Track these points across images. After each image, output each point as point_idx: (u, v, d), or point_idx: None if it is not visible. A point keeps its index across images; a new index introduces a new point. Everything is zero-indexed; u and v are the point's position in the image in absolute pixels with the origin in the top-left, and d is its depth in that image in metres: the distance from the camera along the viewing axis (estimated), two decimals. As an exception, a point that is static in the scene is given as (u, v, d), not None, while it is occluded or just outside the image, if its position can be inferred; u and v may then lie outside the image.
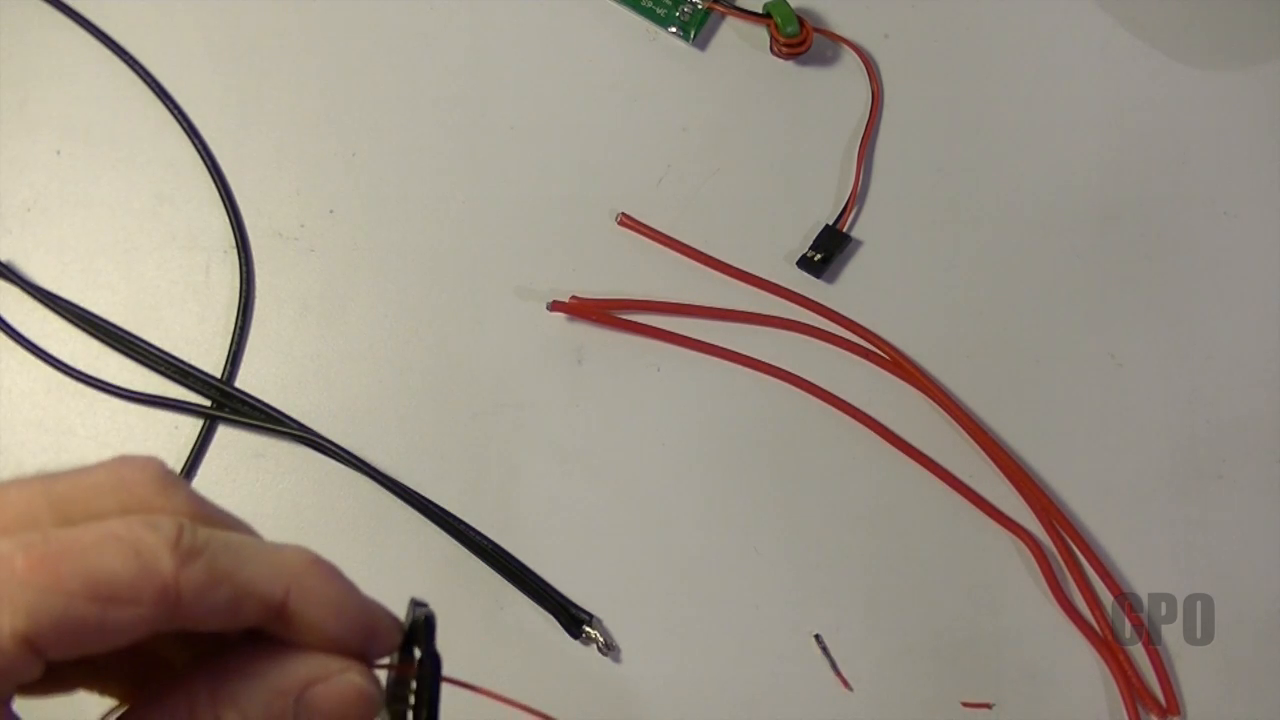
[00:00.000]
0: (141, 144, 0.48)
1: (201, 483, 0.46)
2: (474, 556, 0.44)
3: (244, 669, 0.21)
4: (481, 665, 0.43)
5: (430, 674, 0.22)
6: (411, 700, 0.22)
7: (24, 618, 0.17)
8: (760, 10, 0.50)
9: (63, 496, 0.20)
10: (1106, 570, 0.45)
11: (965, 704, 0.44)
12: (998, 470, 0.46)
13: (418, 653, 0.23)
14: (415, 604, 0.23)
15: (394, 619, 0.23)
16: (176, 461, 0.45)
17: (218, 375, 0.46)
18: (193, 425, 0.46)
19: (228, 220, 0.47)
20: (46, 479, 0.20)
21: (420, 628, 0.23)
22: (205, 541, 0.20)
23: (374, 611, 0.22)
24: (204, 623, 0.20)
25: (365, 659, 0.22)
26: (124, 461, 0.21)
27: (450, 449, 0.46)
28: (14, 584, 0.18)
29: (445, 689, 0.23)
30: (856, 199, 0.49)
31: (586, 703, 0.44)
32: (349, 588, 0.22)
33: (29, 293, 0.46)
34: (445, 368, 0.46)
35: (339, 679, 0.21)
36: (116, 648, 0.19)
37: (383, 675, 0.23)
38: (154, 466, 0.21)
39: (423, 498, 0.44)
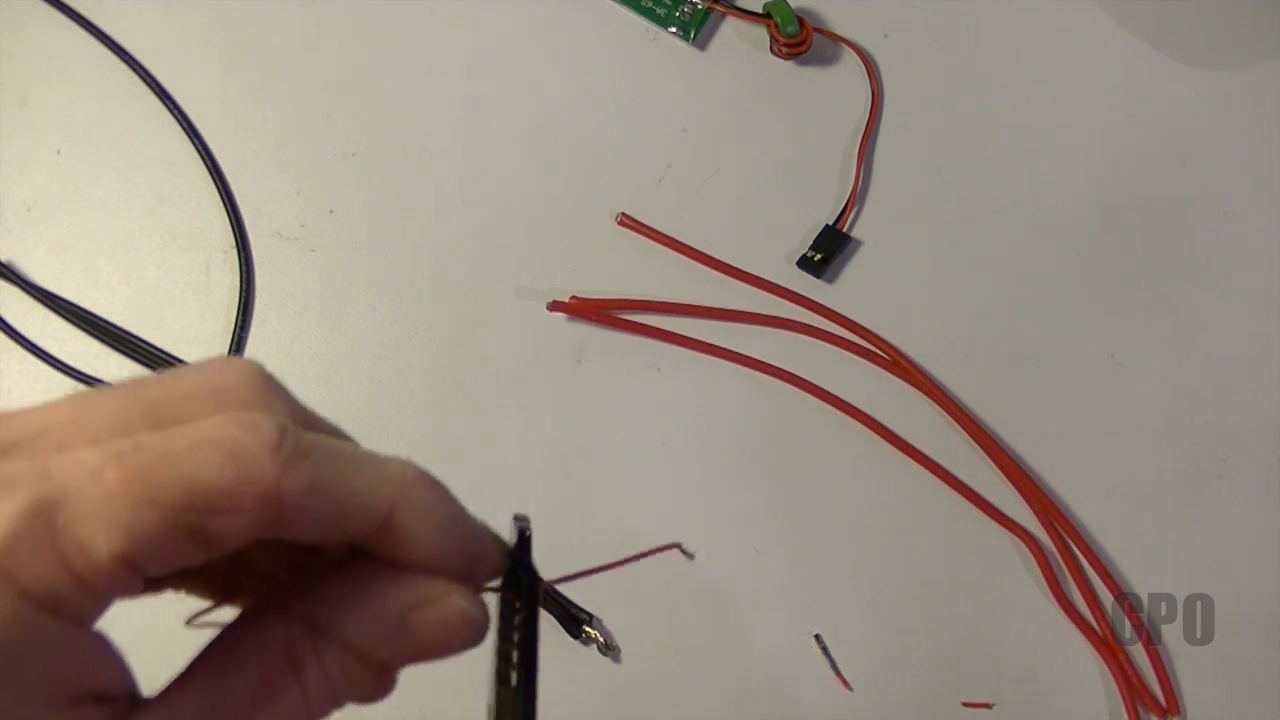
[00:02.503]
0: (141, 144, 0.48)
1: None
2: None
3: (343, 592, 0.19)
4: (482, 664, 0.43)
5: (530, 593, 0.21)
6: (517, 622, 0.21)
7: (120, 536, 0.16)
8: (760, 10, 0.50)
9: (155, 402, 0.18)
10: (1106, 570, 0.45)
11: (965, 704, 0.44)
12: (998, 470, 0.46)
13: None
14: (516, 519, 0.22)
15: (499, 540, 0.21)
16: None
17: (218, 375, 0.46)
18: (193, 425, 0.46)
19: (228, 220, 0.47)
20: (137, 385, 0.18)
21: (520, 545, 0.21)
22: (309, 446, 0.18)
23: (480, 531, 0.21)
24: (305, 534, 0.18)
25: (470, 581, 0.20)
26: (222, 363, 0.19)
27: (450, 449, 0.46)
28: (107, 499, 0.16)
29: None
30: (856, 199, 0.49)
31: (586, 703, 0.44)
32: (457, 505, 0.20)
33: (29, 293, 0.46)
34: (445, 368, 0.46)
35: (444, 603, 0.20)
36: (213, 559, 0.17)
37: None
38: (253, 368, 0.19)
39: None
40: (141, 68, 0.49)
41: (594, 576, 0.23)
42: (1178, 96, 0.51)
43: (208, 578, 0.21)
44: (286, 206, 0.48)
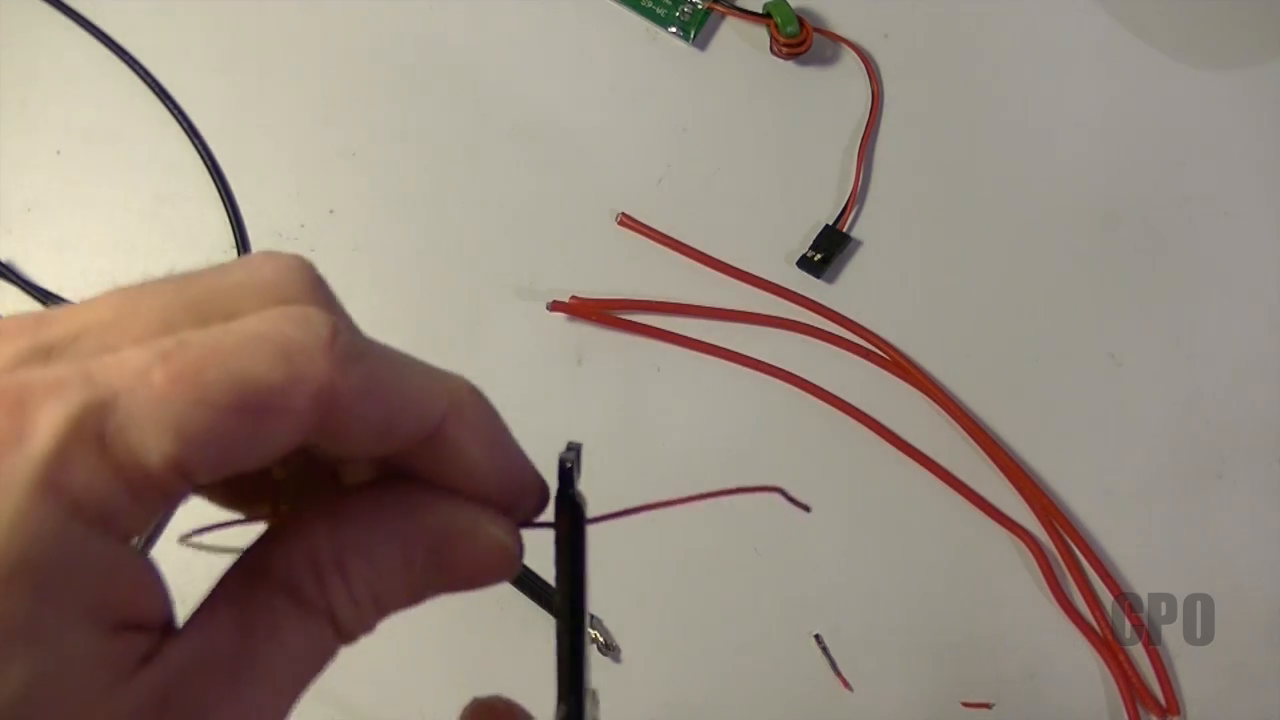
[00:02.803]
0: (141, 144, 0.48)
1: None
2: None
3: (374, 510, 0.18)
4: (483, 665, 0.43)
5: (571, 528, 0.20)
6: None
7: (172, 440, 0.15)
8: (760, 10, 0.50)
9: (200, 298, 0.17)
10: (1106, 570, 0.45)
11: (965, 704, 0.44)
12: (998, 470, 0.46)
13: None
14: (568, 448, 0.21)
15: (542, 477, 0.20)
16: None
17: (218, 375, 0.46)
18: (193, 425, 0.46)
19: (228, 220, 0.47)
20: (181, 280, 0.17)
21: (560, 476, 0.20)
22: (364, 345, 0.17)
23: (526, 461, 0.20)
24: (353, 440, 0.17)
25: (508, 511, 0.19)
26: (268, 256, 0.18)
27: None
28: (157, 401, 0.15)
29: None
30: (856, 199, 0.49)
31: (586, 703, 0.44)
32: (506, 428, 0.19)
33: (29, 293, 0.46)
34: (445, 367, 0.46)
35: (482, 533, 0.19)
36: (262, 465, 0.16)
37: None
38: (302, 263, 0.18)
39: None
40: (141, 68, 0.49)
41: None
42: (1178, 96, 0.51)
43: (225, 488, 0.20)
44: (286, 206, 0.48)
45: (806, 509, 0.23)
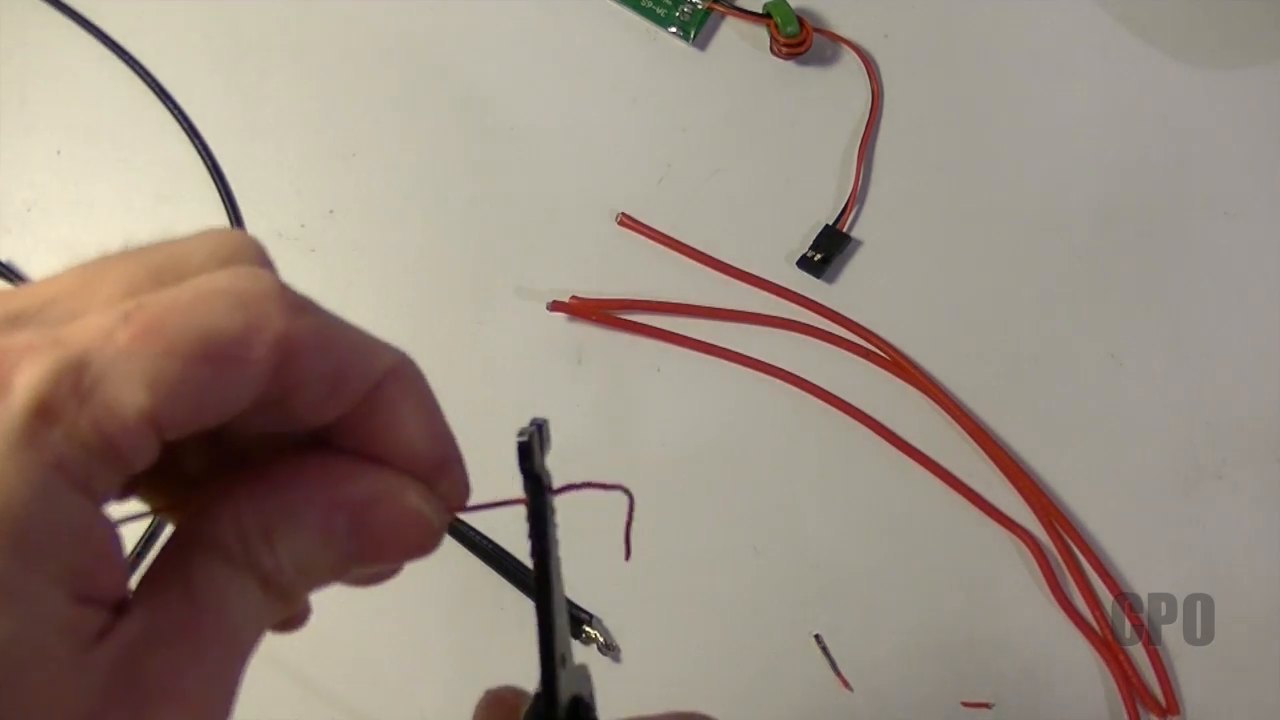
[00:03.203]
0: (141, 144, 0.48)
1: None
2: (474, 557, 0.44)
3: (296, 479, 0.19)
4: (483, 665, 0.43)
5: (533, 501, 0.21)
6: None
7: (145, 392, 0.15)
8: (760, 10, 0.50)
9: (159, 266, 0.18)
10: (1106, 570, 0.45)
11: (965, 704, 0.44)
12: (998, 470, 0.46)
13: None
14: (531, 423, 0.21)
15: (460, 455, 0.21)
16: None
17: (218, 375, 0.46)
18: (193, 425, 0.46)
19: (228, 220, 0.47)
20: (139, 250, 0.18)
21: (520, 452, 0.20)
22: (310, 301, 0.18)
23: (452, 436, 0.20)
24: (307, 395, 0.18)
25: (433, 487, 0.20)
26: (220, 230, 0.19)
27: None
28: (125, 356, 0.15)
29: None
30: (856, 199, 0.49)
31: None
32: (436, 399, 0.20)
33: (29, 293, 0.46)
34: (445, 368, 0.46)
35: (402, 500, 0.19)
36: (226, 419, 0.17)
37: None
38: (250, 238, 0.19)
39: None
40: (141, 68, 0.49)
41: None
42: (1178, 96, 0.51)
43: (154, 483, 0.20)
44: (286, 206, 0.48)
45: (629, 498, 0.24)
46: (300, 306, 0.18)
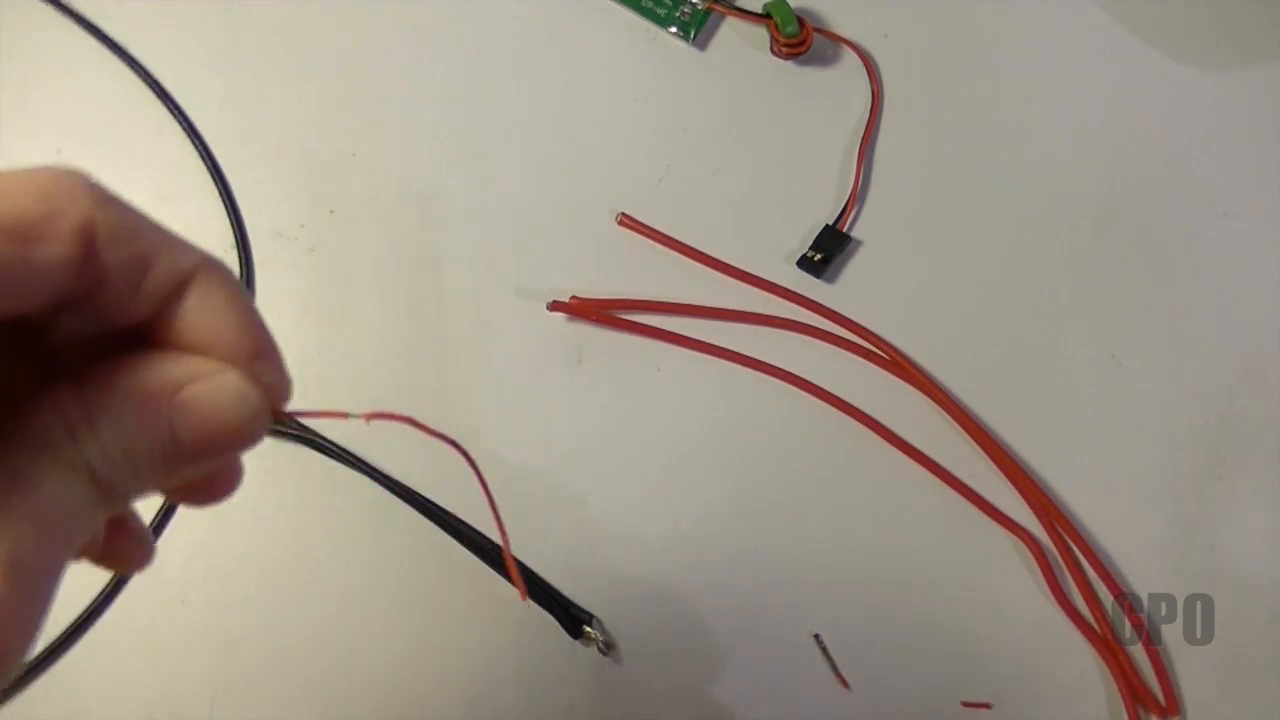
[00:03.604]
0: (141, 144, 0.48)
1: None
2: (475, 557, 0.44)
3: (115, 371, 0.19)
4: (482, 665, 0.43)
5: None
6: None
7: None
8: (760, 10, 0.50)
9: None
10: (1106, 570, 0.45)
11: (965, 704, 0.44)
12: (998, 470, 0.46)
13: None
14: None
15: (276, 345, 0.22)
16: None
17: (218, 375, 0.46)
18: (193, 425, 0.46)
19: (228, 220, 0.47)
20: None
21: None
22: (121, 199, 0.19)
23: (266, 329, 0.21)
24: (112, 291, 0.19)
25: (255, 376, 0.21)
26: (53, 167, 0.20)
27: (449, 449, 0.45)
28: None
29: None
30: (856, 199, 0.49)
31: (587, 703, 0.44)
32: (249, 295, 0.21)
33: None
34: (445, 368, 0.46)
35: (216, 378, 0.20)
36: (33, 305, 0.18)
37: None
38: (84, 174, 0.20)
39: (423, 498, 0.44)
40: (141, 68, 0.49)
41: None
42: (1178, 96, 0.51)
43: None
44: (286, 206, 0.48)
45: (444, 438, 0.25)
46: (107, 199, 0.18)
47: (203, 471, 0.21)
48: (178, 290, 0.19)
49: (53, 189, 0.18)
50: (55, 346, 0.20)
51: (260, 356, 0.21)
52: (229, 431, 0.20)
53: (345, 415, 0.23)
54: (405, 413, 0.22)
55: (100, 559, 0.22)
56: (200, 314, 0.20)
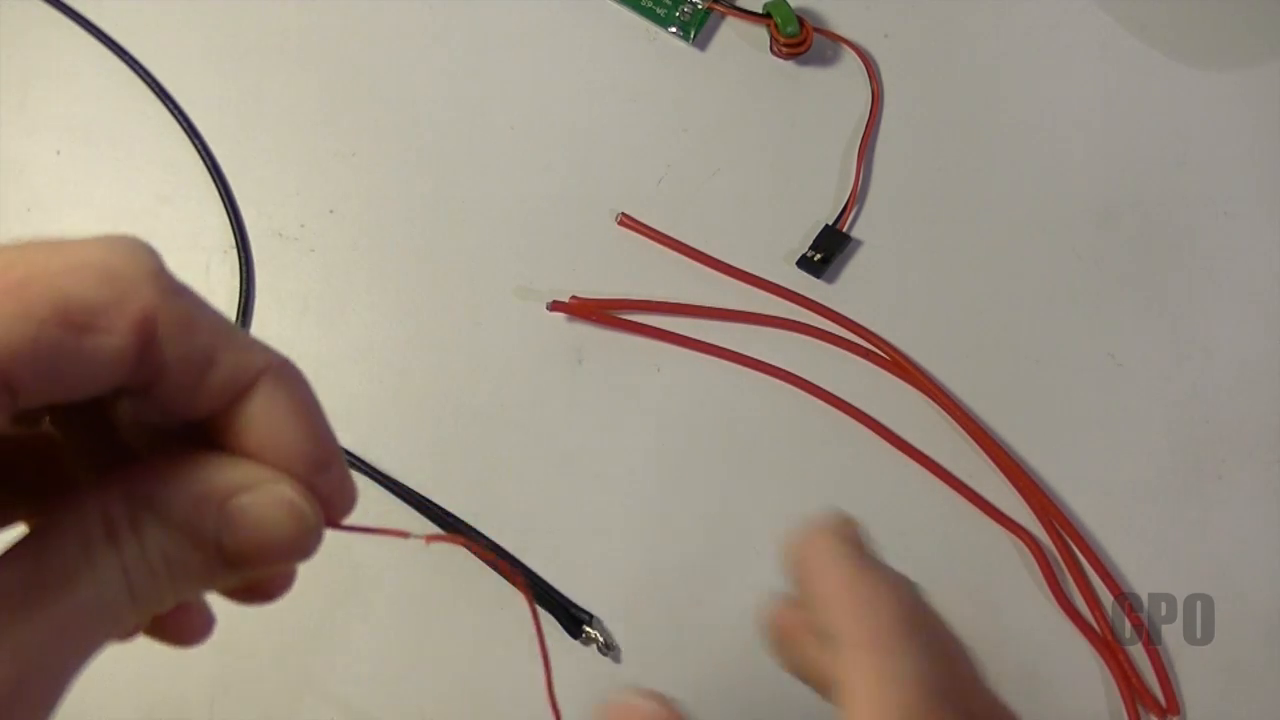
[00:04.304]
0: (141, 144, 0.48)
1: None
2: (474, 557, 0.44)
3: (165, 468, 0.18)
4: (482, 665, 0.43)
5: None
6: None
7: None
8: (760, 10, 0.50)
9: (34, 242, 0.18)
10: (1106, 570, 0.45)
11: (965, 704, 0.44)
12: (998, 470, 0.46)
13: None
14: None
15: (342, 455, 0.20)
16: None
17: (218, 375, 0.46)
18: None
19: (228, 220, 0.47)
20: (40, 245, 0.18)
21: None
22: (188, 289, 0.18)
23: (334, 438, 0.20)
24: (172, 382, 0.18)
25: (312, 488, 0.20)
26: (115, 236, 0.19)
27: (450, 449, 0.46)
28: None
29: None
30: (856, 199, 0.49)
31: (586, 703, 0.43)
32: (318, 401, 0.20)
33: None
34: (445, 368, 0.46)
35: (269, 489, 0.19)
36: (88, 394, 0.17)
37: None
38: (148, 247, 0.19)
39: (423, 498, 0.44)
40: (141, 68, 0.49)
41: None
42: (1178, 96, 0.51)
43: (22, 491, 0.20)
44: (286, 206, 0.48)
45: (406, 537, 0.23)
46: (174, 290, 0.18)
47: (249, 580, 0.20)
48: (242, 391, 0.18)
49: (118, 270, 0.17)
50: (119, 429, 0.19)
51: (322, 468, 0.20)
52: (277, 546, 0.19)
53: (406, 535, 0.22)
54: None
55: (150, 633, 0.21)
56: (263, 418, 0.19)
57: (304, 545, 0.19)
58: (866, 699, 0.21)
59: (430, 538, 0.22)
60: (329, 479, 0.20)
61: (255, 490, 0.19)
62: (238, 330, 0.19)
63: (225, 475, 0.19)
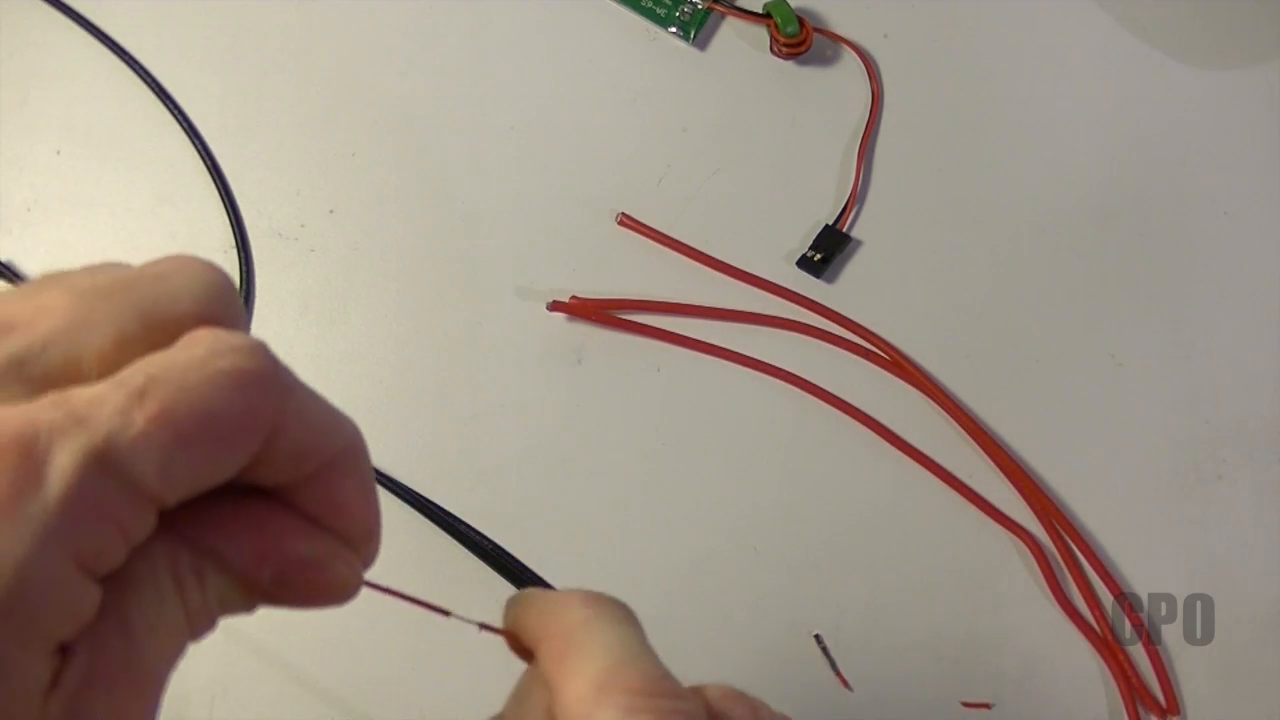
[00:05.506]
0: (141, 144, 0.48)
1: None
2: (474, 557, 0.44)
3: (235, 525, 0.19)
4: (482, 665, 0.43)
5: None
6: None
7: (159, 481, 0.16)
8: (760, 10, 0.50)
9: (147, 309, 0.18)
10: (1106, 570, 0.45)
11: (965, 704, 0.44)
12: (998, 470, 0.46)
13: None
14: None
15: (380, 529, 0.22)
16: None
17: (218, 375, 0.46)
18: (193, 425, 0.46)
19: (228, 220, 0.47)
20: (123, 282, 0.18)
21: None
22: (292, 375, 0.19)
23: (379, 512, 0.21)
24: (277, 465, 0.19)
25: (354, 549, 0.21)
26: (193, 263, 0.19)
27: (450, 449, 0.46)
28: (142, 442, 0.16)
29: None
30: (856, 199, 0.49)
31: (586, 703, 0.44)
32: (373, 475, 0.21)
33: (29, 293, 0.46)
34: (445, 368, 0.46)
35: (332, 567, 0.20)
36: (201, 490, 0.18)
37: None
38: (218, 271, 0.19)
39: (423, 498, 0.44)
40: (141, 68, 0.49)
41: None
42: (1178, 96, 0.51)
43: None
44: (286, 206, 0.48)
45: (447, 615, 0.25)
46: (289, 388, 0.18)
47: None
48: (320, 468, 0.19)
49: (248, 374, 0.17)
50: None
51: (370, 540, 0.21)
52: (321, 601, 0.20)
53: (447, 614, 0.24)
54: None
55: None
56: (333, 489, 0.20)
57: (341, 602, 0.21)
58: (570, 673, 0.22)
59: (483, 626, 0.24)
60: (373, 550, 0.21)
61: (316, 565, 0.20)
62: (327, 408, 0.20)
63: (291, 543, 0.20)
